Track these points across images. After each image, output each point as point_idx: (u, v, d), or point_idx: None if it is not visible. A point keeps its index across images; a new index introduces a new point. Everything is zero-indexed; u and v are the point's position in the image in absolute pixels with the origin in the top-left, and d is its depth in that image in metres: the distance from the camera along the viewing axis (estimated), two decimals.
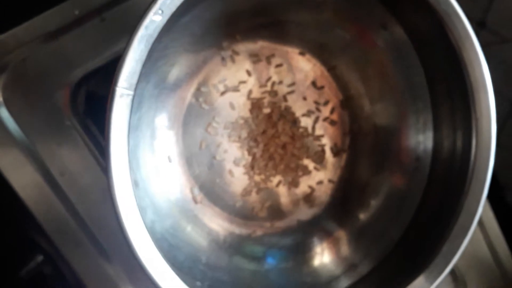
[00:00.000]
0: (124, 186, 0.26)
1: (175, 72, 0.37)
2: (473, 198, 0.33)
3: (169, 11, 0.26)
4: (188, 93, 0.39)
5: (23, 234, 0.42)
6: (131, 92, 0.26)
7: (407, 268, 0.33)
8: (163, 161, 0.38)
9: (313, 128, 0.42)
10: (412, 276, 0.31)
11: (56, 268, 0.41)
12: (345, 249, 0.38)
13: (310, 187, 0.42)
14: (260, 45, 0.40)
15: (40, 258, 0.42)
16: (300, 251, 0.39)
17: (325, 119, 0.42)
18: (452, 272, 0.50)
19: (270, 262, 0.38)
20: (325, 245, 0.39)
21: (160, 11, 0.26)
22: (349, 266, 0.36)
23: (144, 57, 0.26)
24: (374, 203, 0.39)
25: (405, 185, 0.38)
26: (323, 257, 0.38)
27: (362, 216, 0.39)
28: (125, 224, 0.26)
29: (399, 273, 0.33)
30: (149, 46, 0.26)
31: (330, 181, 0.42)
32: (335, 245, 0.39)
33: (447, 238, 0.31)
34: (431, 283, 0.31)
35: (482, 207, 0.33)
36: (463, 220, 0.32)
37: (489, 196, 0.34)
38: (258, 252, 0.39)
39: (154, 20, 0.26)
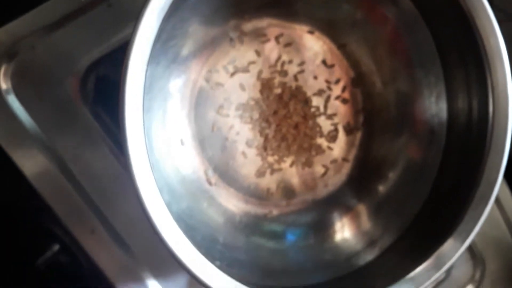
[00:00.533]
0: (143, 166, 0.26)
1: (185, 53, 0.37)
2: (492, 167, 0.32)
3: None
4: (198, 75, 0.39)
5: (39, 223, 0.42)
6: (143, 72, 0.26)
7: (428, 239, 0.32)
8: (176, 143, 0.37)
9: (325, 107, 0.42)
10: (435, 246, 0.31)
11: (73, 257, 0.41)
12: (365, 223, 0.38)
13: (324, 166, 0.42)
14: (268, 24, 0.40)
15: (56, 247, 0.42)
16: (320, 228, 0.38)
17: (337, 98, 0.42)
18: (470, 249, 0.49)
19: (290, 239, 0.38)
20: (345, 220, 0.39)
21: None
22: (370, 241, 0.36)
23: (155, 33, 0.26)
24: (392, 176, 0.39)
25: (422, 157, 0.38)
26: (343, 232, 0.38)
27: (381, 189, 0.39)
28: (146, 203, 0.26)
29: (421, 244, 0.33)
30: (159, 21, 0.26)
31: (344, 159, 0.42)
32: (355, 220, 0.38)
33: (468, 207, 0.31)
34: (459, 247, 0.31)
35: (502, 177, 0.33)
36: (484, 189, 0.32)
37: (506, 176, 0.33)
38: (277, 231, 0.39)
39: None
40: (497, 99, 0.33)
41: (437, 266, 0.30)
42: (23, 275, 0.42)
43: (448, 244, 0.30)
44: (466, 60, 0.35)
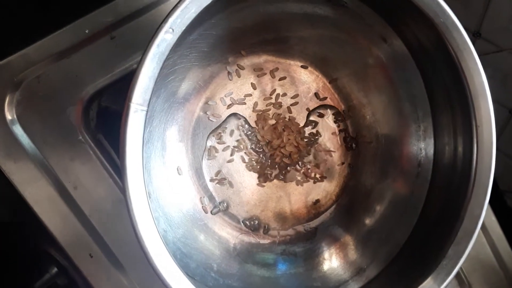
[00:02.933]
0: (140, 198, 0.27)
1: (184, 86, 0.39)
2: (476, 202, 0.34)
3: (180, 30, 0.28)
4: (197, 107, 0.40)
5: (38, 247, 0.43)
6: (145, 108, 0.27)
7: (414, 271, 0.34)
8: (174, 173, 0.39)
9: (317, 138, 0.43)
10: (420, 278, 0.32)
11: (70, 280, 0.42)
12: (352, 253, 0.39)
13: (316, 195, 0.43)
14: (264, 59, 0.42)
15: (54, 270, 0.43)
16: (309, 257, 0.40)
17: (328, 128, 0.44)
18: (458, 275, 0.50)
19: (281, 268, 0.39)
20: (333, 250, 0.40)
21: (171, 30, 0.27)
22: (357, 270, 0.37)
23: (156, 74, 0.27)
24: (379, 208, 0.40)
25: (408, 190, 0.39)
26: (331, 262, 0.39)
27: (368, 221, 0.40)
28: (141, 233, 0.27)
29: (406, 276, 0.34)
30: (161, 64, 0.27)
31: (335, 188, 0.43)
32: (342, 250, 0.40)
33: (452, 241, 0.33)
34: (439, 285, 0.32)
35: (484, 212, 0.34)
36: (467, 223, 0.34)
37: (490, 201, 0.35)
38: (268, 259, 0.40)
39: (166, 38, 0.27)
40: (481, 137, 0.34)
41: None
42: None
43: (431, 279, 0.32)
44: (453, 98, 0.36)
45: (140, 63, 0.27)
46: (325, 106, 0.44)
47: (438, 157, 0.39)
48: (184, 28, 0.28)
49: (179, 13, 0.27)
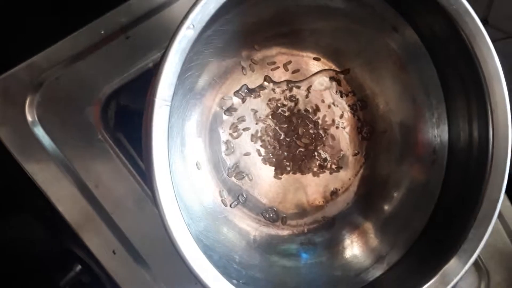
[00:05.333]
0: (167, 192, 0.28)
1: (200, 82, 0.39)
2: (494, 186, 0.34)
3: (200, 26, 0.28)
4: (213, 102, 0.41)
5: (62, 245, 0.44)
6: (169, 103, 0.28)
7: (434, 256, 0.34)
8: (193, 167, 0.40)
9: (332, 128, 0.44)
10: (441, 263, 0.32)
11: (94, 277, 0.43)
12: (372, 240, 0.40)
13: (333, 185, 0.44)
14: (277, 52, 0.42)
15: (78, 267, 0.43)
16: (331, 245, 0.40)
17: (342, 119, 0.44)
18: (475, 262, 0.51)
19: (302, 258, 0.40)
20: (353, 237, 0.40)
21: (192, 26, 0.28)
22: (377, 258, 0.38)
23: (179, 70, 0.28)
24: (397, 195, 0.41)
25: (425, 177, 0.40)
26: (351, 250, 0.40)
27: (386, 207, 0.41)
28: (170, 226, 0.28)
29: (427, 261, 0.35)
30: (182, 59, 0.28)
31: (351, 178, 0.44)
32: (363, 237, 0.40)
33: (472, 225, 0.33)
34: (461, 269, 0.33)
35: (503, 195, 0.34)
36: (486, 207, 0.34)
37: (506, 190, 0.35)
38: (289, 250, 0.41)
39: (187, 34, 0.28)
40: (496, 120, 0.35)
41: (444, 283, 0.31)
42: None
43: (454, 262, 0.32)
44: (466, 84, 0.37)
45: (163, 59, 0.27)
46: (339, 97, 0.44)
47: (453, 143, 0.39)
48: (204, 24, 0.28)
49: (199, 9, 0.28)
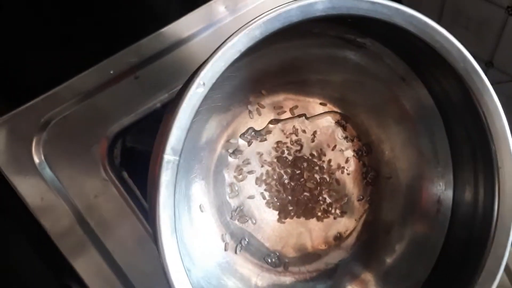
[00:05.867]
0: (170, 241, 0.28)
1: (207, 126, 0.39)
2: (499, 243, 0.34)
3: (210, 83, 0.28)
4: (219, 145, 0.41)
5: (60, 280, 0.43)
6: (177, 158, 0.28)
7: None
8: (196, 210, 0.39)
9: (337, 173, 0.44)
10: None
11: None
12: None
13: (337, 230, 0.43)
14: (284, 97, 0.43)
15: None
16: None
17: (348, 163, 0.44)
18: None
19: None
20: (354, 286, 0.40)
21: (202, 83, 0.28)
22: None
23: (188, 125, 0.28)
24: (398, 247, 0.41)
25: (427, 230, 0.40)
26: None
27: (388, 259, 0.41)
28: (171, 274, 0.27)
29: None
30: (192, 115, 0.28)
31: (355, 224, 0.44)
32: (363, 287, 0.40)
33: (476, 282, 0.33)
34: None
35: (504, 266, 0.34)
36: (491, 264, 0.34)
37: None
38: None
39: (197, 92, 0.28)
40: (502, 177, 0.35)
41: None
42: None
43: None
44: (473, 140, 0.37)
45: (173, 116, 0.28)
46: (344, 142, 0.44)
47: (457, 197, 0.39)
48: (214, 81, 0.28)
49: (209, 67, 0.28)
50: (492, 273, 0.34)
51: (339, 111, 0.44)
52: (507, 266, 0.53)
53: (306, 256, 0.43)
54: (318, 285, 0.41)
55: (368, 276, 0.40)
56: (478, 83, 0.34)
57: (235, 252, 0.41)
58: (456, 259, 0.37)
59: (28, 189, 0.39)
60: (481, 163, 0.36)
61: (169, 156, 0.27)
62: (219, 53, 0.28)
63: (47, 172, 0.40)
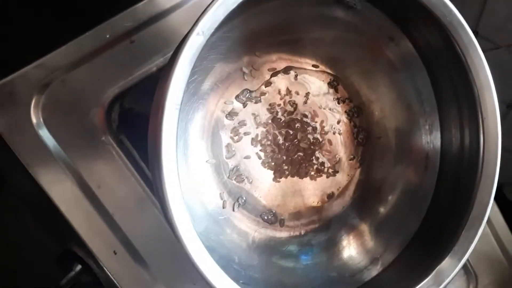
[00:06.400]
0: (175, 193, 0.29)
1: (204, 87, 0.40)
2: (484, 191, 0.36)
3: (209, 32, 0.29)
4: (215, 106, 0.42)
5: (62, 245, 0.44)
6: (178, 107, 0.29)
7: (427, 257, 0.36)
8: (195, 169, 0.41)
9: (329, 134, 0.45)
10: (433, 264, 0.34)
11: (94, 277, 0.44)
12: (368, 241, 0.41)
13: (329, 189, 0.45)
14: (277, 59, 0.44)
15: (78, 267, 0.44)
16: (328, 247, 0.42)
17: (339, 125, 0.46)
18: (464, 265, 0.52)
19: (299, 259, 0.41)
20: (350, 239, 0.42)
21: (201, 32, 0.29)
22: (373, 258, 0.39)
23: (188, 75, 0.29)
24: (391, 198, 0.42)
25: (418, 180, 0.41)
26: (349, 250, 0.41)
27: (381, 210, 0.42)
28: (178, 226, 0.28)
29: (419, 262, 0.36)
30: (192, 65, 0.29)
31: (347, 182, 0.45)
32: (359, 238, 0.42)
33: (463, 228, 0.35)
34: (452, 270, 0.34)
35: (492, 200, 0.36)
36: (477, 211, 0.36)
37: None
38: (286, 251, 0.42)
39: (197, 40, 0.29)
40: (487, 128, 0.37)
41: (437, 282, 0.33)
42: None
43: (446, 262, 0.34)
44: (459, 93, 0.39)
45: (173, 64, 0.28)
46: (336, 103, 0.46)
47: (445, 149, 0.41)
48: (212, 31, 0.29)
49: (209, 16, 0.29)
50: (478, 220, 0.36)
51: (331, 72, 0.45)
52: (497, 236, 0.55)
53: (301, 213, 0.44)
54: (313, 239, 0.43)
55: (363, 228, 0.42)
56: (463, 36, 0.35)
57: (233, 210, 0.42)
58: (445, 208, 0.39)
59: (28, 153, 0.40)
60: (466, 115, 0.38)
61: (171, 104, 0.28)
62: (219, 1, 0.28)
63: (47, 135, 0.41)
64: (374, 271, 0.40)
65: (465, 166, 0.38)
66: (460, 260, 0.34)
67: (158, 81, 0.34)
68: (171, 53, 0.43)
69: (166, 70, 0.31)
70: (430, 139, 0.42)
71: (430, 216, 0.39)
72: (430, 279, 0.33)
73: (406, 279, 0.35)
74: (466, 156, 0.38)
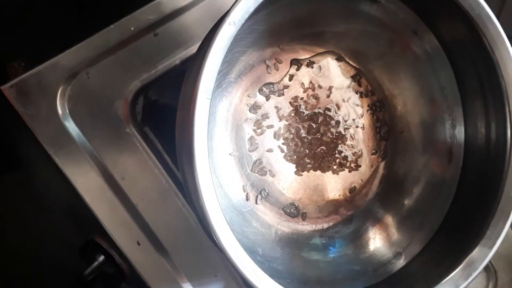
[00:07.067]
0: (207, 182, 0.29)
1: (227, 80, 0.40)
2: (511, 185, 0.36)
3: (240, 23, 0.29)
4: (239, 99, 0.42)
5: (86, 236, 0.44)
6: (210, 97, 0.29)
7: (454, 248, 0.36)
8: (219, 161, 0.41)
9: (352, 128, 0.45)
10: (460, 258, 0.34)
11: (117, 267, 0.44)
12: (393, 233, 0.41)
13: (351, 183, 0.45)
14: (301, 52, 0.44)
15: (101, 258, 0.44)
16: (350, 241, 0.42)
17: (362, 119, 0.46)
18: None
19: (321, 252, 0.41)
20: (376, 230, 0.42)
21: (233, 23, 0.29)
22: (396, 252, 0.39)
23: (219, 65, 0.29)
24: (416, 190, 0.43)
25: (442, 174, 0.42)
26: (375, 242, 0.41)
27: (406, 202, 0.43)
28: (209, 212, 0.29)
29: (447, 253, 0.36)
30: (223, 55, 0.29)
31: (369, 176, 0.45)
32: (384, 230, 0.42)
33: (491, 219, 0.34)
34: (478, 266, 0.34)
35: None
36: (504, 204, 0.35)
37: None
38: (308, 244, 0.42)
39: (228, 31, 0.29)
40: None
41: (465, 274, 0.33)
42: (73, 285, 0.44)
43: (476, 252, 0.34)
44: (484, 87, 0.38)
45: (205, 54, 0.29)
46: (359, 97, 0.45)
47: (469, 143, 0.41)
48: (243, 22, 0.30)
49: (240, 6, 0.29)
50: (505, 213, 0.36)
51: (354, 65, 0.45)
52: None
53: (323, 207, 0.44)
54: (336, 233, 0.43)
55: (388, 220, 0.42)
56: (492, 29, 0.35)
57: (256, 202, 0.42)
58: (470, 200, 0.39)
59: (54, 143, 0.40)
60: (492, 108, 0.38)
61: (203, 94, 0.29)
62: None
63: (72, 126, 0.41)
64: (398, 265, 0.40)
65: (491, 159, 0.38)
66: (491, 248, 0.34)
67: (185, 72, 0.34)
68: (195, 45, 0.43)
69: (196, 61, 0.31)
70: (454, 133, 0.42)
71: (455, 209, 0.39)
72: (460, 270, 0.33)
73: (434, 270, 0.35)
74: (492, 150, 0.38)
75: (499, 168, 0.37)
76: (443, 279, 0.33)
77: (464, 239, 0.36)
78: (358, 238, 0.42)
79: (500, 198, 0.35)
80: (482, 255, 0.34)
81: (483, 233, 0.35)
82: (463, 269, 0.33)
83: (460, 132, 0.42)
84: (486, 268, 0.54)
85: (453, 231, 0.38)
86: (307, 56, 0.44)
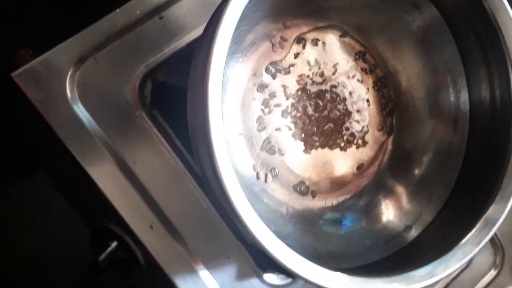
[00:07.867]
0: (224, 159, 0.29)
1: (233, 59, 0.41)
2: None
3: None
4: (245, 78, 0.42)
5: (99, 222, 0.45)
6: (221, 75, 0.29)
7: (468, 210, 0.36)
8: (229, 141, 0.41)
9: (358, 104, 0.46)
10: (478, 214, 0.34)
11: (130, 253, 0.44)
12: (405, 203, 0.42)
13: (359, 160, 0.46)
14: (305, 30, 0.44)
15: (114, 244, 0.44)
16: (368, 210, 0.42)
17: (368, 95, 0.46)
18: (490, 237, 0.53)
19: (332, 228, 0.42)
20: (388, 202, 0.43)
21: None
22: (406, 225, 0.40)
23: (229, 41, 0.30)
24: (425, 158, 0.44)
25: (449, 141, 0.43)
26: (388, 213, 0.42)
27: (416, 171, 0.43)
28: (226, 183, 0.29)
29: (462, 215, 0.37)
30: (232, 30, 0.30)
31: (378, 151, 0.46)
32: (397, 200, 0.42)
33: (502, 178, 0.35)
34: (490, 229, 0.35)
35: None
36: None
37: None
38: (319, 220, 0.43)
39: (238, 4, 0.29)
40: None
41: (485, 230, 0.34)
42: (87, 271, 0.44)
43: (493, 209, 0.34)
44: (487, 54, 0.39)
45: (215, 31, 0.29)
46: (364, 74, 0.46)
47: (474, 109, 0.42)
48: None
49: None
50: None
51: (359, 40, 0.45)
52: None
53: (332, 184, 0.45)
54: (346, 209, 0.44)
55: (400, 190, 0.43)
56: None
57: (265, 181, 0.43)
58: (480, 163, 0.40)
59: (65, 128, 0.41)
60: (496, 74, 0.39)
61: (214, 74, 0.29)
62: None
63: (82, 111, 0.41)
64: (410, 236, 0.40)
65: (498, 122, 0.39)
66: (507, 202, 0.35)
67: (193, 52, 0.34)
68: (201, 27, 0.43)
69: (204, 39, 0.31)
70: (459, 102, 0.43)
71: (465, 173, 0.40)
72: (478, 228, 0.34)
73: (450, 235, 0.35)
74: (498, 113, 0.39)
75: (506, 129, 0.38)
76: (462, 239, 0.34)
77: (477, 200, 0.37)
78: (371, 211, 0.42)
79: (509, 157, 0.36)
80: (501, 207, 0.34)
81: (497, 190, 0.35)
82: (480, 229, 0.34)
83: (465, 101, 0.43)
84: (493, 243, 0.55)
85: (464, 196, 0.39)
86: (312, 33, 0.44)
